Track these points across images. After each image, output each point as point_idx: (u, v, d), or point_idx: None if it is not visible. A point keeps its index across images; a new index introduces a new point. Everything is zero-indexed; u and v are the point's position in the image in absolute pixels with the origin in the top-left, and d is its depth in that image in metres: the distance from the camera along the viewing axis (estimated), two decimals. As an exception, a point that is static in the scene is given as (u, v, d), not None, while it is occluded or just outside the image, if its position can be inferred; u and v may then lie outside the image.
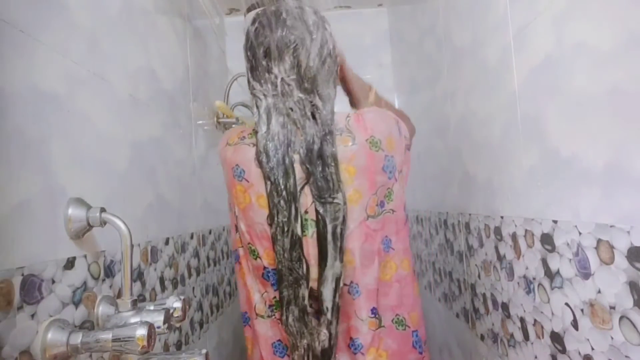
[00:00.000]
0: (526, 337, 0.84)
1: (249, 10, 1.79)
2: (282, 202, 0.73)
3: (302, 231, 0.74)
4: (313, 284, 0.75)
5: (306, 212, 0.75)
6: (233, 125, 1.79)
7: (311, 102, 0.76)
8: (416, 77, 1.66)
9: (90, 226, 0.63)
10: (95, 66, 0.73)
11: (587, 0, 0.59)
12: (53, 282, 0.56)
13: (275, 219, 0.73)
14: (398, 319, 0.79)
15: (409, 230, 0.83)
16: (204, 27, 1.65)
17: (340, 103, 0.87)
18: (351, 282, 0.76)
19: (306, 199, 0.75)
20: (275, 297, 0.79)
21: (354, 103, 0.94)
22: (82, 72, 0.69)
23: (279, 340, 0.80)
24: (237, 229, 0.82)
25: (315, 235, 0.74)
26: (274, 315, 0.79)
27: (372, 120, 0.77)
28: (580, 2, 0.61)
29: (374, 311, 0.77)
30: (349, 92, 0.93)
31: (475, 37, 1.01)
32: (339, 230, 0.72)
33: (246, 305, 0.85)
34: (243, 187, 0.77)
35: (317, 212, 0.73)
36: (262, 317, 0.81)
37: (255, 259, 0.78)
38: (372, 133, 0.76)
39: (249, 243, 0.79)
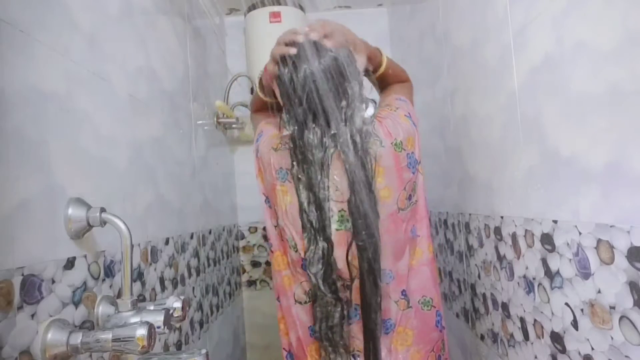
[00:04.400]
0: (526, 337, 0.84)
1: (249, 10, 1.79)
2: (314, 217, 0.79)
3: (338, 226, 0.80)
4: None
5: (343, 209, 0.80)
6: (233, 126, 1.78)
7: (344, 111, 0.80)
8: (416, 77, 1.65)
9: (90, 226, 0.63)
10: (95, 66, 0.73)
11: (587, 0, 0.59)
12: (53, 282, 0.56)
13: (310, 246, 0.79)
14: (425, 299, 0.86)
15: (430, 221, 0.91)
16: (204, 27, 1.65)
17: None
18: (384, 269, 0.82)
19: (342, 197, 0.79)
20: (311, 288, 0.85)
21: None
22: (82, 72, 0.69)
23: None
24: (276, 224, 0.89)
25: (351, 229, 0.79)
26: (311, 301, 0.86)
27: (392, 126, 0.85)
28: (580, 2, 0.61)
29: (404, 293, 0.84)
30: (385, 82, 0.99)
31: (475, 37, 1.01)
32: (375, 266, 0.78)
33: (278, 291, 0.91)
34: (286, 188, 0.83)
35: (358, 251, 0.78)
36: (300, 303, 0.87)
37: (296, 252, 0.84)
38: (395, 137, 0.84)
39: (289, 238, 0.85)
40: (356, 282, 0.80)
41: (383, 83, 0.98)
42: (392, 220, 0.82)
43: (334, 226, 0.80)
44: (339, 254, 0.79)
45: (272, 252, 0.91)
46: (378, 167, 0.80)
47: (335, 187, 0.80)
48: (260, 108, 1.00)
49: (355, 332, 0.82)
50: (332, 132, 0.79)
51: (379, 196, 0.80)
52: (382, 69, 0.94)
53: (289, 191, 0.83)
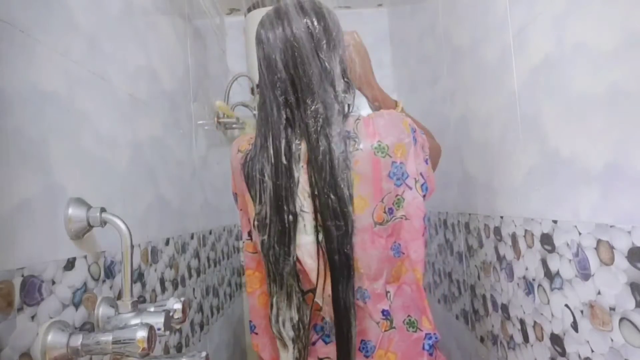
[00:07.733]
0: (526, 339, 0.84)
1: (249, 10, 1.79)
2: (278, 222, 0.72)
3: (313, 238, 0.73)
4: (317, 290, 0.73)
5: (315, 218, 0.73)
6: (234, 126, 1.79)
7: (315, 107, 0.73)
8: (416, 77, 1.66)
9: (90, 226, 0.63)
10: (95, 66, 0.73)
11: (587, 0, 0.59)
12: (53, 283, 0.56)
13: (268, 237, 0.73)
14: (410, 320, 0.78)
15: (426, 243, 0.80)
16: (204, 27, 1.65)
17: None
18: (359, 287, 0.75)
19: (312, 206, 0.72)
20: None
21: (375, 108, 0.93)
22: (82, 72, 0.69)
23: None
24: (250, 235, 0.82)
25: (323, 242, 0.72)
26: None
27: (382, 126, 0.74)
28: (580, 2, 0.61)
29: (385, 313, 0.77)
30: (372, 99, 0.93)
31: (475, 37, 1.01)
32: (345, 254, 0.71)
33: (252, 314, 0.84)
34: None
35: (323, 233, 0.72)
36: None
37: None
38: (379, 139, 0.73)
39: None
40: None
41: None
42: (367, 234, 0.73)
43: (309, 238, 0.72)
44: (313, 267, 0.72)
45: (250, 268, 0.85)
46: (353, 174, 0.71)
47: (308, 194, 0.72)
48: None
49: (332, 354, 0.75)
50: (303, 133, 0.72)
51: (352, 207, 0.71)
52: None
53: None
